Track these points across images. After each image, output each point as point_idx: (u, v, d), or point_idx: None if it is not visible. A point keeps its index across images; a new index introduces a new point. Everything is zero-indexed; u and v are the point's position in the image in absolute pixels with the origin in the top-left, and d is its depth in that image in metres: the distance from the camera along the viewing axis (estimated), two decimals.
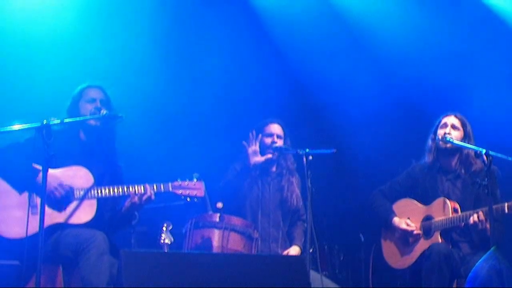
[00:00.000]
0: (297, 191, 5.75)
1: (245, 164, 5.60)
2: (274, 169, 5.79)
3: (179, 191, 4.88)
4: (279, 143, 5.68)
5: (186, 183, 4.90)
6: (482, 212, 5.01)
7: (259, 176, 5.68)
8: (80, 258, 4.42)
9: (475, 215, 5.04)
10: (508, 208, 4.91)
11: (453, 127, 5.42)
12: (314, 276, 5.00)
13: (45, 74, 6.12)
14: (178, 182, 4.89)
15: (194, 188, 4.92)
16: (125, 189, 4.75)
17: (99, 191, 4.72)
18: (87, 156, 4.89)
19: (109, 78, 5.38)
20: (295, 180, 5.78)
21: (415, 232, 5.39)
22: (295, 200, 5.71)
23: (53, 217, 4.59)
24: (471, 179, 5.28)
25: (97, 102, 4.96)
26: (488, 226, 5.02)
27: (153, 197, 4.79)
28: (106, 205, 4.87)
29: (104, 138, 4.98)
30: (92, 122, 4.89)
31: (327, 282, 5.31)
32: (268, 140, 5.68)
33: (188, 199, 4.91)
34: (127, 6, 6.53)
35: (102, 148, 4.98)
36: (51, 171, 4.34)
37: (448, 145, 5.34)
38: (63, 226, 4.63)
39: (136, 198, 4.75)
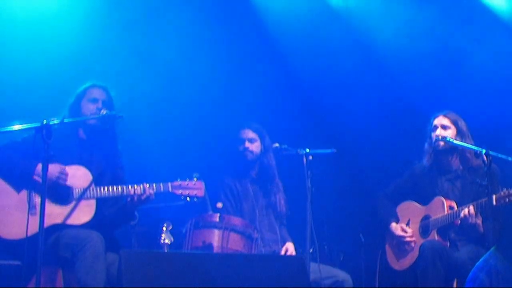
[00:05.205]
0: (283, 195, 5.82)
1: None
2: (254, 173, 5.86)
3: (179, 191, 4.88)
4: (252, 147, 5.79)
5: (186, 183, 4.90)
6: (473, 206, 5.04)
7: (250, 183, 5.78)
8: (76, 259, 4.42)
9: (466, 209, 5.07)
10: (496, 200, 4.88)
11: (443, 127, 5.45)
12: (313, 267, 5.02)
13: (45, 74, 6.11)
14: (177, 182, 4.89)
15: (194, 188, 4.92)
16: (125, 189, 4.74)
17: (98, 191, 4.71)
18: (86, 154, 4.90)
19: (109, 78, 5.38)
20: (279, 183, 5.85)
21: (408, 239, 5.43)
22: (283, 207, 5.81)
23: (52, 217, 4.58)
24: (471, 177, 5.29)
25: (99, 103, 4.97)
26: (479, 221, 5.10)
27: (152, 196, 4.79)
28: (106, 204, 4.86)
29: (105, 137, 4.98)
30: (92, 121, 4.90)
31: (326, 269, 5.33)
32: (241, 147, 5.81)
33: (188, 199, 4.91)
34: (126, 7, 6.53)
35: (102, 147, 4.98)
36: (52, 165, 4.36)
37: (442, 143, 5.35)
38: (62, 226, 4.62)
39: (135, 198, 4.75)
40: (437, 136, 5.42)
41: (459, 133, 5.41)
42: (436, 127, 5.48)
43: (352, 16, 7.11)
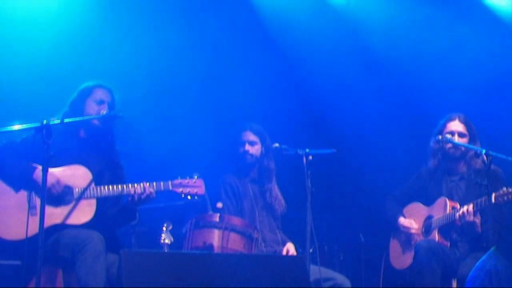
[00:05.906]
0: (280, 196, 5.83)
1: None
2: (254, 174, 5.86)
3: (179, 189, 4.86)
4: (252, 150, 5.79)
5: (186, 181, 4.88)
6: (472, 204, 5.06)
7: (250, 183, 5.78)
8: (77, 259, 4.41)
9: (465, 207, 5.09)
10: (494, 199, 4.88)
11: (460, 135, 5.42)
12: (313, 270, 5.02)
13: (45, 74, 6.11)
14: (178, 180, 4.87)
15: (194, 186, 4.90)
16: (125, 188, 4.74)
17: (98, 190, 4.70)
18: (86, 153, 4.87)
19: (109, 78, 5.37)
20: (276, 186, 5.87)
21: (413, 231, 5.44)
22: (279, 210, 5.82)
23: (52, 218, 4.57)
24: (475, 179, 5.29)
25: (105, 105, 4.93)
26: (477, 220, 5.12)
27: (153, 195, 4.78)
28: (106, 204, 4.86)
29: (104, 137, 4.97)
30: (95, 121, 4.88)
31: (326, 271, 5.34)
32: (241, 149, 5.80)
33: (189, 197, 4.88)
34: (126, 7, 6.53)
35: (101, 147, 4.98)
36: (50, 170, 4.32)
37: (450, 145, 5.36)
38: (62, 227, 4.62)
39: (135, 197, 4.75)
40: (450, 139, 5.36)
41: (471, 140, 5.41)
42: (452, 133, 5.40)
43: (353, 16, 7.11)
